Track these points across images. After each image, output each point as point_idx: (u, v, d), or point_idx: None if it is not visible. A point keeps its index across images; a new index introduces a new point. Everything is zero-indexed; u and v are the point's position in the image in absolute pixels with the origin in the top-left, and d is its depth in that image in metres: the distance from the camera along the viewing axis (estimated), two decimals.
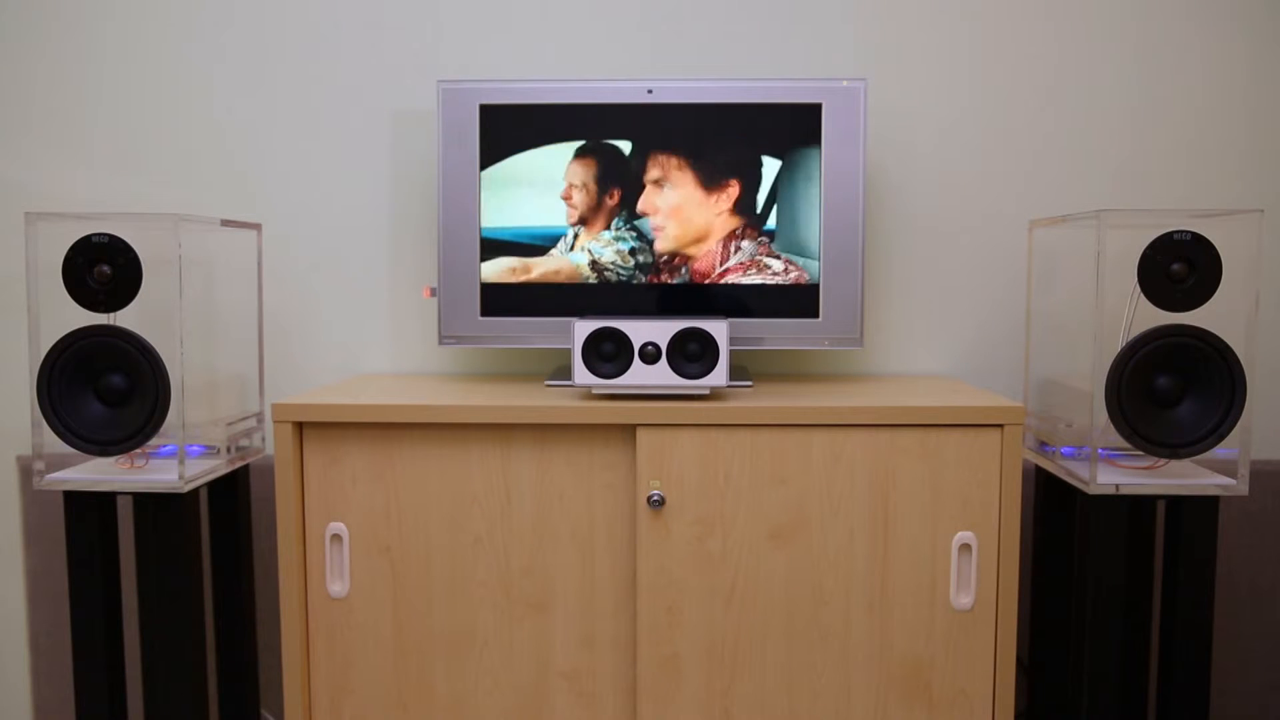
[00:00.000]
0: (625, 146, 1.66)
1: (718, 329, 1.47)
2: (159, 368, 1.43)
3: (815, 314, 1.67)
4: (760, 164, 1.66)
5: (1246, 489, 1.46)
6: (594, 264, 1.67)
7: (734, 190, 1.66)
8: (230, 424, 1.62)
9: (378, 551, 1.51)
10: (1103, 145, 1.85)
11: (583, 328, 1.47)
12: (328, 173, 1.88)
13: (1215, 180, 1.85)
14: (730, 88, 1.65)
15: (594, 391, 1.50)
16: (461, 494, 1.50)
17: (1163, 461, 1.54)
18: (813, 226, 1.66)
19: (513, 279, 1.68)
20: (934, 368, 1.89)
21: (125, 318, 1.47)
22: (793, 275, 1.66)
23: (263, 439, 1.71)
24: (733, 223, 1.66)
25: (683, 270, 1.67)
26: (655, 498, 1.46)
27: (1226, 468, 1.49)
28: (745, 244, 1.66)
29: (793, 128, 1.65)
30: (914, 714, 1.50)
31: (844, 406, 1.46)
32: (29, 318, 1.47)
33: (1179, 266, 1.43)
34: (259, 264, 1.71)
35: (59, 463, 1.53)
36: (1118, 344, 1.47)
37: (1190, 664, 1.50)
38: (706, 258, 1.67)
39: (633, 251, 1.65)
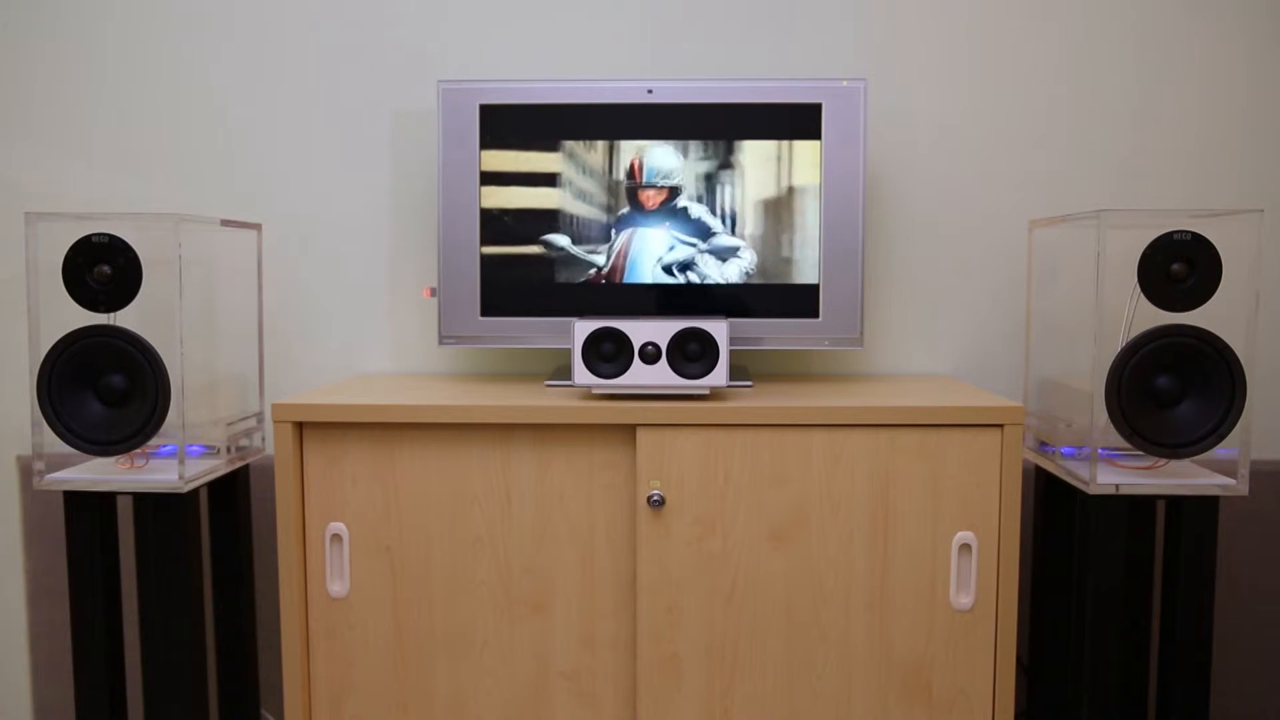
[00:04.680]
0: (625, 146, 1.66)
1: (718, 329, 1.47)
2: (159, 368, 1.43)
3: (815, 314, 1.67)
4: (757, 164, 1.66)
5: (1246, 489, 1.46)
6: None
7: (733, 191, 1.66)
8: (230, 424, 1.62)
9: (378, 551, 1.51)
10: (1103, 145, 1.85)
11: (583, 328, 1.47)
12: (328, 173, 1.88)
13: (1215, 180, 1.85)
14: (730, 88, 1.65)
15: (594, 391, 1.50)
16: (461, 494, 1.50)
17: (1163, 461, 1.54)
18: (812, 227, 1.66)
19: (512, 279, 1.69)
20: (934, 368, 1.89)
21: (125, 318, 1.47)
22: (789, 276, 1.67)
23: (263, 439, 1.71)
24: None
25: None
26: (655, 498, 1.46)
27: (1226, 468, 1.49)
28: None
29: (793, 128, 1.65)
30: (914, 714, 1.50)
31: (844, 406, 1.46)
32: (29, 318, 1.47)
33: (1179, 266, 1.43)
34: (259, 264, 1.71)
35: (59, 463, 1.53)
36: (1118, 344, 1.47)
37: (1190, 664, 1.50)
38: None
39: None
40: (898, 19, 1.85)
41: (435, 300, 1.89)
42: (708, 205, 1.66)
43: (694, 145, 1.66)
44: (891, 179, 1.87)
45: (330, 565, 1.51)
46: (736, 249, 1.65)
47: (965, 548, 1.48)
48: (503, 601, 1.51)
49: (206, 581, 1.82)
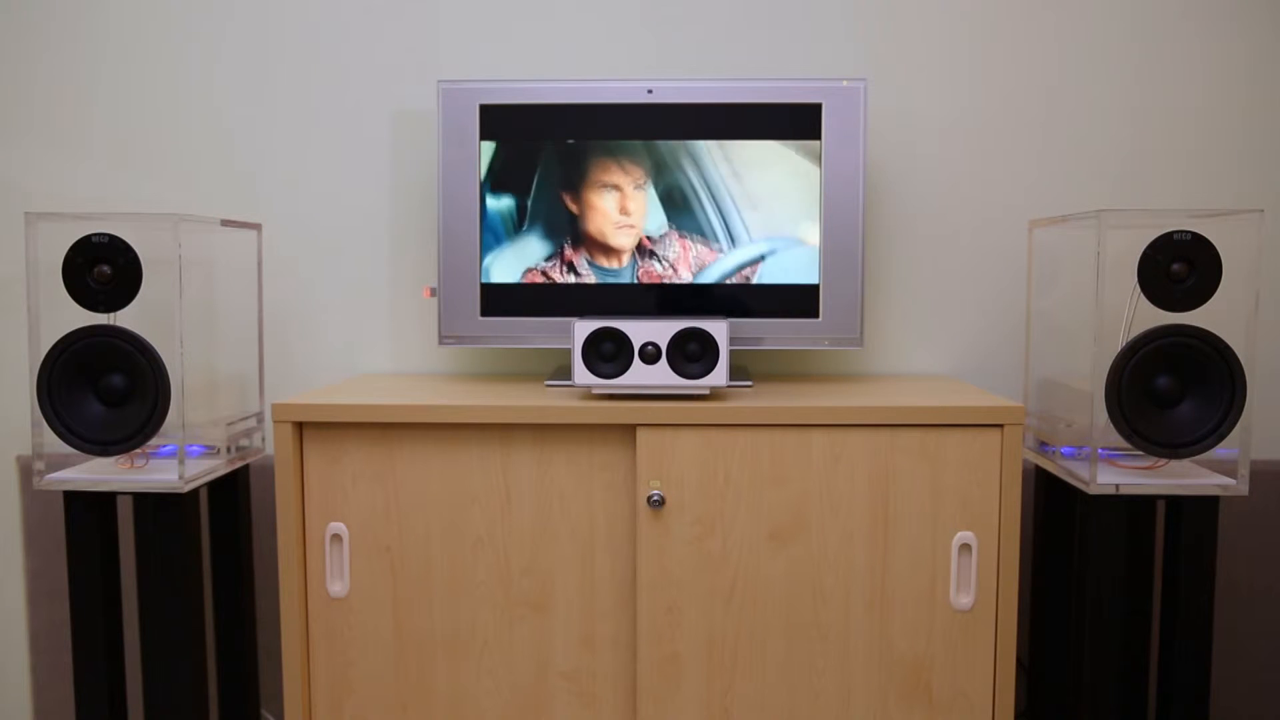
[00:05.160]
0: (624, 147, 1.66)
1: (717, 329, 1.47)
2: (159, 368, 1.43)
3: (815, 314, 1.67)
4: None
5: (1246, 489, 1.46)
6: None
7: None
8: (230, 424, 1.62)
9: (378, 551, 1.51)
10: (1103, 145, 1.85)
11: (583, 328, 1.47)
12: (328, 173, 1.88)
13: (1215, 180, 1.85)
14: (730, 88, 1.65)
15: (594, 391, 1.50)
16: (461, 494, 1.50)
17: (1163, 461, 1.54)
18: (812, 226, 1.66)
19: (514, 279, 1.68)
20: (934, 368, 1.89)
21: (125, 318, 1.47)
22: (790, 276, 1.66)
23: (263, 439, 1.71)
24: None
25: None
26: (655, 498, 1.46)
27: (1226, 468, 1.49)
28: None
29: (793, 128, 1.65)
30: (914, 714, 1.50)
31: (844, 406, 1.46)
32: (29, 318, 1.47)
33: (1179, 266, 1.43)
34: (259, 264, 1.71)
35: (59, 463, 1.53)
36: (1118, 344, 1.47)
37: (1190, 664, 1.50)
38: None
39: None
40: (898, 19, 1.85)
41: (435, 300, 1.89)
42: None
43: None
44: (891, 179, 1.87)
45: (330, 565, 1.51)
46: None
47: (965, 548, 1.48)
48: (503, 601, 1.51)
49: (206, 581, 1.82)
